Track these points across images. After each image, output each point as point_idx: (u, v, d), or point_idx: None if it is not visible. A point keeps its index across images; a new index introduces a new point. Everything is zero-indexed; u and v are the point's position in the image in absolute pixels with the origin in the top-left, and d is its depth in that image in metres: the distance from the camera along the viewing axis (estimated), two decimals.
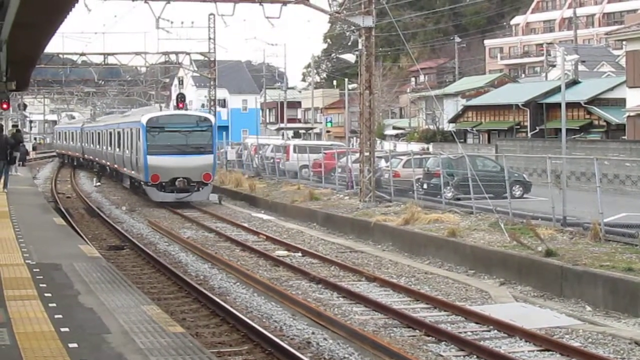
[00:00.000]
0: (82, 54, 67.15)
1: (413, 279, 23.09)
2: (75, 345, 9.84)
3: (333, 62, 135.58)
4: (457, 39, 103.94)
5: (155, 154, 42.84)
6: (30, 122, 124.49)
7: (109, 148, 57.35)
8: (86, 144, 73.55)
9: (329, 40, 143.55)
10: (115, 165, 54.53)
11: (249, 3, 36.39)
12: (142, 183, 44.86)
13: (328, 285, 21.61)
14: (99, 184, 59.79)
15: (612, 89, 60.56)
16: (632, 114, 52.72)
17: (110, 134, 56.66)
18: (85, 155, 75.26)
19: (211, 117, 48.13)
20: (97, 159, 66.57)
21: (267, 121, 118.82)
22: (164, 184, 42.93)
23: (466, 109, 74.60)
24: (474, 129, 72.48)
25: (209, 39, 66.94)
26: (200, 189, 43.42)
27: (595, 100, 60.04)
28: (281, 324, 17.23)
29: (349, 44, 57.49)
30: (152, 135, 43.40)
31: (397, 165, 40.26)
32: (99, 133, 64.96)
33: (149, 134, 43.40)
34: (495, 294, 20.72)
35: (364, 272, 23.66)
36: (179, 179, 42.82)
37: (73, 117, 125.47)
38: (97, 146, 65.04)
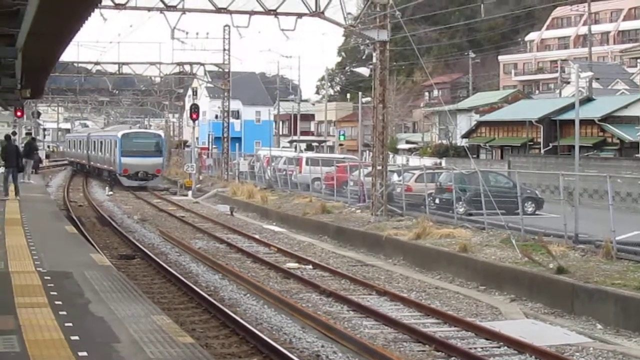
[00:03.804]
0: (97, 63, 67.55)
1: (424, 293, 23.06)
2: (84, 353, 9.85)
3: (347, 75, 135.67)
4: (472, 55, 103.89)
5: (126, 155, 64.67)
6: (44, 130, 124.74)
7: (87, 152, 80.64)
8: (71, 150, 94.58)
9: (343, 53, 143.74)
10: (93, 163, 77.41)
11: (264, 15, 36.47)
12: (117, 174, 65.64)
13: (338, 299, 21.58)
14: (111, 193, 59.99)
15: (626, 106, 60.43)
16: None
17: (93, 142, 77.95)
18: (67, 158, 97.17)
19: (161, 133, 77.79)
20: (77, 160, 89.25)
21: (280, 133, 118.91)
22: (131, 175, 64.55)
23: (479, 124, 74.54)
24: (487, 144, 72.41)
25: (224, 50, 67.09)
26: (154, 178, 65.72)
27: (609, 118, 59.91)
28: (291, 337, 17.21)
29: (363, 57, 57.41)
30: (125, 143, 65.26)
31: (410, 179, 40.22)
32: (80, 141, 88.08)
33: (123, 142, 65.32)
34: (505, 310, 20.67)
35: (375, 286, 23.64)
36: (140, 172, 64.75)
37: (86, 126, 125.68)
38: (79, 150, 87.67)
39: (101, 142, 73.29)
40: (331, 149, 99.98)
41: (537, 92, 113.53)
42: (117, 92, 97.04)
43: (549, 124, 63.82)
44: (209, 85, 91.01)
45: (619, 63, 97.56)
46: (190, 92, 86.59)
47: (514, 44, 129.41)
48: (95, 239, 31.27)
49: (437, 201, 37.13)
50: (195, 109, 63.66)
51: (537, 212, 37.11)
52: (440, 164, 64.46)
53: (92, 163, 78.27)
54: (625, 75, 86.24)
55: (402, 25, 37.92)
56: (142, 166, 64.96)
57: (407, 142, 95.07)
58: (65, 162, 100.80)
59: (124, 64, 67.15)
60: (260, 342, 16.03)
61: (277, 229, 39.23)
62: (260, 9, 36.28)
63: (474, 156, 61.69)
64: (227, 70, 67.84)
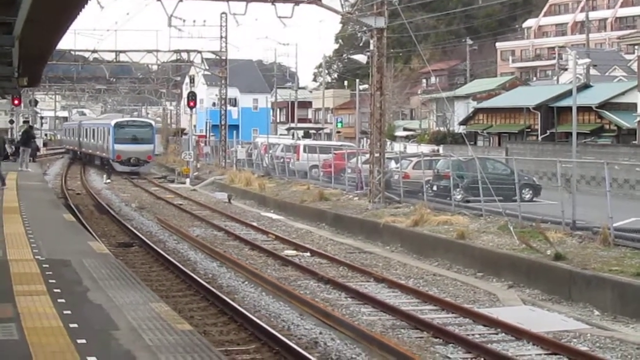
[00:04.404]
0: (94, 51, 67.37)
1: (421, 280, 23.10)
2: (83, 341, 9.86)
3: (344, 62, 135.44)
4: (469, 41, 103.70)
5: (119, 142, 67.95)
6: (41, 118, 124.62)
7: (78, 139, 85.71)
8: (67, 137, 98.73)
9: (340, 40, 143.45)
10: (85, 150, 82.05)
11: (262, 2, 36.41)
12: (110, 160, 69.08)
13: (336, 286, 21.62)
14: (109, 181, 60.00)
15: (623, 93, 60.40)
16: None
17: (85, 130, 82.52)
18: (65, 146, 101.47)
19: (152, 121, 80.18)
20: (71, 147, 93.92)
21: (278, 121, 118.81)
22: (123, 160, 67.64)
23: (477, 111, 74.49)
24: (485, 131, 72.38)
25: (221, 37, 67.05)
26: (145, 164, 69.33)
27: (606, 105, 59.90)
28: (289, 324, 17.24)
29: (361, 44, 57.47)
30: (117, 131, 68.74)
31: (407, 166, 40.21)
32: (73, 129, 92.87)
33: (115, 130, 68.81)
34: (503, 297, 20.71)
35: (373, 272, 23.67)
36: (132, 158, 68.07)
37: (84, 114, 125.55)
38: (72, 138, 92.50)
39: (93, 130, 77.84)
40: (329, 136, 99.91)
41: (534, 78, 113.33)
42: (114, 80, 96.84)
43: (547, 111, 63.84)
44: (206, 73, 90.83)
45: (616, 50, 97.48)
46: (187, 79, 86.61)
47: (512, 31, 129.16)
48: (93, 227, 31.27)
49: (434, 188, 37.14)
50: (192, 96, 63.64)
51: (534, 199, 37.10)
52: (438, 151, 64.47)
53: (83, 150, 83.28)
54: (622, 62, 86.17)
55: (400, 12, 37.85)
56: (134, 153, 68.53)
57: (405, 129, 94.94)
58: (63, 150, 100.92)
59: (121, 51, 67.11)
60: (258, 329, 16.06)
61: (274, 216, 39.24)
62: None
63: (472, 143, 61.72)
64: (224, 57, 67.82)
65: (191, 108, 64.28)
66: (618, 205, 25.47)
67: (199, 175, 62.21)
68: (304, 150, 54.01)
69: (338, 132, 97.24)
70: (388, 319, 18.08)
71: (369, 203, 35.90)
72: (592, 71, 71.29)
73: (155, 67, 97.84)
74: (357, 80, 75.81)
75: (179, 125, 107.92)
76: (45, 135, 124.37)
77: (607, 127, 59.88)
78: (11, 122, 77.47)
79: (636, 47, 59.95)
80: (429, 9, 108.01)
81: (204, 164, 70.38)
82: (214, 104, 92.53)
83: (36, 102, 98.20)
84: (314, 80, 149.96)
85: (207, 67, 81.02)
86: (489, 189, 29.07)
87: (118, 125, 70.30)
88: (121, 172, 66.81)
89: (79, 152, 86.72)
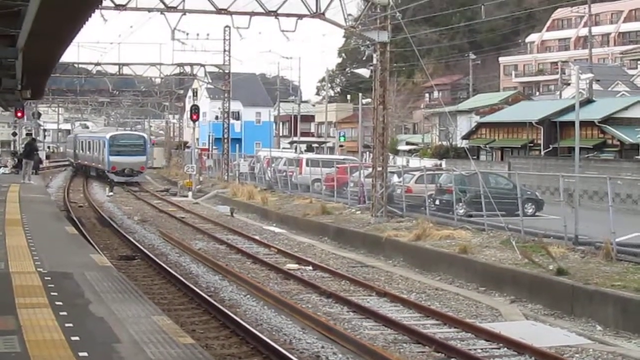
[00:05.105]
0: (97, 64, 67.45)
1: (423, 294, 23.07)
2: (85, 354, 9.84)
3: (347, 76, 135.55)
4: (472, 56, 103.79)
5: (114, 154, 72.70)
6: (44, 130, 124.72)
7: (74, 151, 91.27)
8: (68, 149, 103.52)
9: (343, 54, 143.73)
10: (81, 161, 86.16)
11: (265, 16, 36.46)
12: (105, 171, 73.01)
13: (338, 300, 21.59)
14: (111, 194, 60.01)
15: (626, 108, 60.36)
16: None
17: (81, 142, 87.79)
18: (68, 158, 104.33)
19: (145, 135, 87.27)
20: (69, 159, 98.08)
21: (281, 134, 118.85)
22: (118, 171, 71.73)
23: (480, 125, 74.46)
24: (487, 146, 72.34)
25: (224, 51, 67.12)
26: (139, 174, 73.68)
27: (609, 120, 59.85)
28: (291, 337, 17.23)
29: (364, 58, 57.51)
30: (112, 144, 73.39)
31: (410, 180, 40.21)
32: (70, 142, 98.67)
33: (110, 143, 73.35)
34: (505, 312, 20.68)
35: (375, 287, 23.65)
36: (126, 169, 72.33)
37: (87, 127, 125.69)
38: (69, 150, 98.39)
39: (89, 143, 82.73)
40: (331, 150, 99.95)
41: (537, 93, 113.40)
42: (117, 93, 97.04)
43: (549, 126, 63.77)
44: (209, 86, 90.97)
45: (619, 65, 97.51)
46: (190, 93, 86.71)
47: (515, 46, 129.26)
48: (95, 240, 31.27)
49: (437, 202, 37.13)
50: (195, 110, 63.69)
51: (537, 214, 37.11)
52: (441, 165, 64.46)
53: (79, 161, 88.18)
54: (625, 77, 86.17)
55: (403, 26, 37.92)
56: (128, 164, 73.00)
57: (408, 143, 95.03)
58: (66, 162, 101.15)
59: (124, 64, 67.18)
60: (260, 342, 16.04)
61: (277, 230, 39.23)
62: (261, 10, 36.27)
63: (474, 157, 61.61)
64: (227, 71, 67.88)
65: (194, 121, 64.32)
66: (620, 220, 25.42)
67: (202, 188, 62.22)
68: (307, 164, 54.04)
69: (341, 146, 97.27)
70: (390, 333, 18.06)
71: (372, 217, 35.89)
72: (595, 86, 71.16)
73: (158, 80, 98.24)
74: (360, 94, 75.86)
75: (182, 139, 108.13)
76: (48, 147, 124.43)
77: (609, 142, 59.84)
78: (14, 134, 77.63)
79: (639, 62, 59.95)
80: (432, 24, 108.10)
81: (207, 177, 70.39)
82: (216, 117, 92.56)
83: (39, 115, 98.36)
84: (317, 94, 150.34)
85: (210, 81, 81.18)
86: (491, 204, 29.06)
87: (113, 139, 75.34)
88: (117, 182, 69.05)
89: (74, 163, 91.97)
